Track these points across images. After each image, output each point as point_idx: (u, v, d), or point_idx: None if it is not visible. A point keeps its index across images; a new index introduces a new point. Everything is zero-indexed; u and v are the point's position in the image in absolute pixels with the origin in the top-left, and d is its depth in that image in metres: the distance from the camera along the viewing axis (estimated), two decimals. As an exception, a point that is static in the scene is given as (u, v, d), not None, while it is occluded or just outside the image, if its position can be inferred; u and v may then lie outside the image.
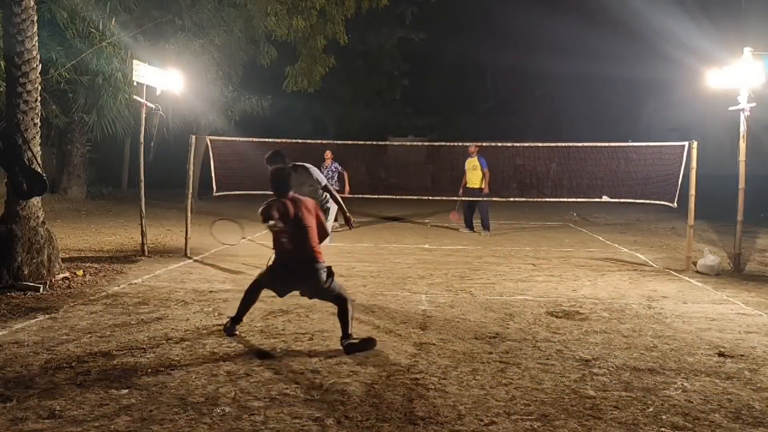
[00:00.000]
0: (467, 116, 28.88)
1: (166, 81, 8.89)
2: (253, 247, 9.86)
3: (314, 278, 4.59)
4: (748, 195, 8.12)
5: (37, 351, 4.37)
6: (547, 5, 24.53)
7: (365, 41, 25.24)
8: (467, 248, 10.26)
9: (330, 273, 4.67)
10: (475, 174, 11.75)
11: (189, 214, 8.93)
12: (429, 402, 3.62)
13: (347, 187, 12.07)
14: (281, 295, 4.82)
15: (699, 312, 5.92)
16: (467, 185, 11.89)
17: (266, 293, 4.90)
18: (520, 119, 27.57)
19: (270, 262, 4.78)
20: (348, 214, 6.30)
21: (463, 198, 12.14)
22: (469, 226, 12.18)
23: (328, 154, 12.18)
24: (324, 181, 7.78)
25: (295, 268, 4.64)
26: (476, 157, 11.77)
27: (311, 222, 4.74)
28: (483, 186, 11.73)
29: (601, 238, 11.51)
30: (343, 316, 4.61)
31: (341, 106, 26.53)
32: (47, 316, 5.33)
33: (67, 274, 6.87)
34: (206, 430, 3.21)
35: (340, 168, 12.16)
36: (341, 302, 4.65)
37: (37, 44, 6.78)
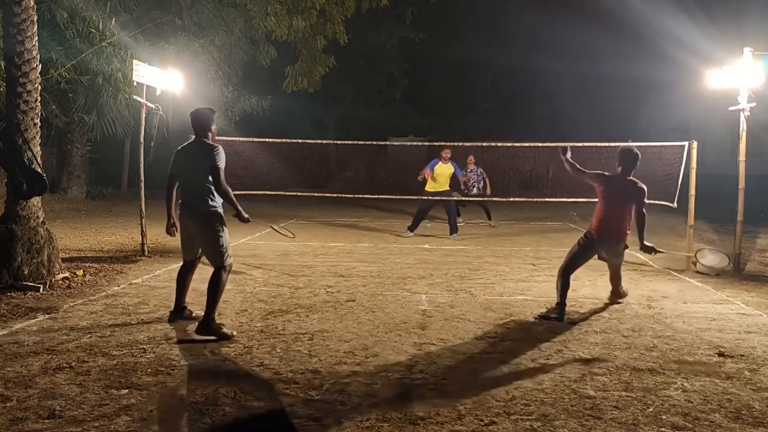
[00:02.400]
0: (467, 116, 28.88)
1: (166, 81, 8.89)
2: (252, 246, 9.86)
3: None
4: (748, 195, 8.12)
5: (37, 351, 4.37)
6: (548, 5, 24.52)
7: (365, 41, 25.22)
8: (467, 248, 10.26)
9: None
10: (445, 179, 11.30)
11: (189, 214, 8.91)
12: (429, 402, 3.62)
13: (488, 189, 12.87)
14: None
15: (699, 312, 5.92)
16: (431, 189, 11.27)
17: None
18: (520, 119, 27.54)
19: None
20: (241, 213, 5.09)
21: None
22: (413, 229, 11.60)
23: (471, 159, 12.83)
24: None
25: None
26: (450, 164, 11.33)
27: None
28: (449, 189, 11.46)
29: (601, 238, 11.48)
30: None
31: (341, 106, 26.51)
32: (47, 316, 5.33)
33: (67, 274, 6.87)
34: (206, 430, 3.21)
35: (484, 173, 12.85)
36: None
37: (37, 44, 6.78)
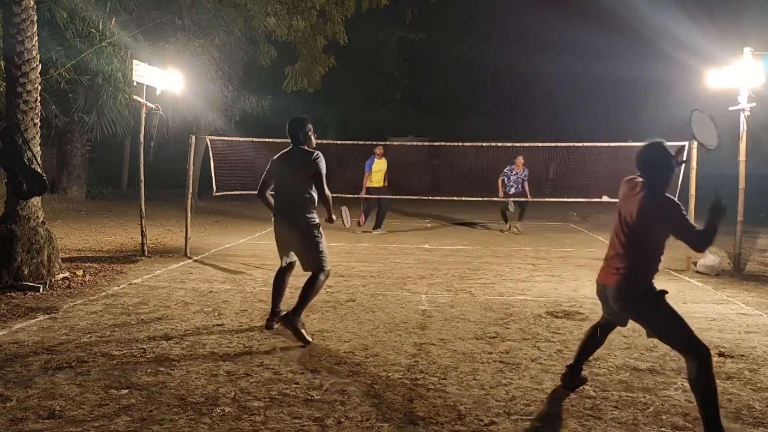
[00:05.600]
0: (467, 116, 28.87)
1: (166, 81, 8.89)
2: (252, 246, 9.86)
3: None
4: (748, 195, 8.13)
5: (37, 351, 4.37)
6: (548, 5, 24.52)
7: (365, 41, 25.20)
8: (467, 248, 10.27)
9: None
10: (380, 174, 11.75)
11: (189, 214, 8.92)
12: (429, 402, 3.62)
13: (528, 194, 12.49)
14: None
15: (699, 312, 5.92)
16: (370, 185, 11.78)
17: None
18: (521, 119, 27.54)
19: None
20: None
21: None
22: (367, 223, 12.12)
23: (520, 159, 12.52)
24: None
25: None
26: (383, 159, 11.79)
27: None
28: (385, 183, 11.83)
29: (601, 238, 11.50)
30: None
31: (341, 106, 26.50)
32: (47, 316, 5.33)
33: (67, 274, 6.87)
34: (206, 430, 3.21)
35: (527, 176, 12.53)
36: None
37: (37, 44, 6.77)
